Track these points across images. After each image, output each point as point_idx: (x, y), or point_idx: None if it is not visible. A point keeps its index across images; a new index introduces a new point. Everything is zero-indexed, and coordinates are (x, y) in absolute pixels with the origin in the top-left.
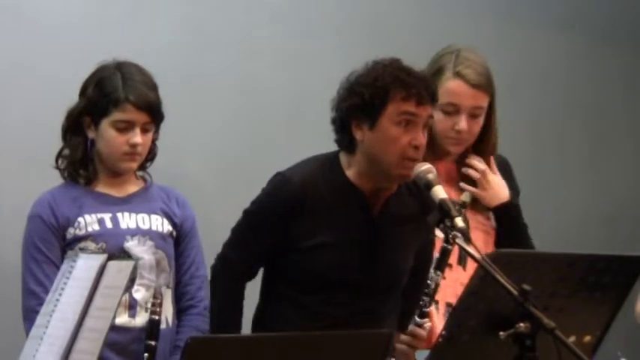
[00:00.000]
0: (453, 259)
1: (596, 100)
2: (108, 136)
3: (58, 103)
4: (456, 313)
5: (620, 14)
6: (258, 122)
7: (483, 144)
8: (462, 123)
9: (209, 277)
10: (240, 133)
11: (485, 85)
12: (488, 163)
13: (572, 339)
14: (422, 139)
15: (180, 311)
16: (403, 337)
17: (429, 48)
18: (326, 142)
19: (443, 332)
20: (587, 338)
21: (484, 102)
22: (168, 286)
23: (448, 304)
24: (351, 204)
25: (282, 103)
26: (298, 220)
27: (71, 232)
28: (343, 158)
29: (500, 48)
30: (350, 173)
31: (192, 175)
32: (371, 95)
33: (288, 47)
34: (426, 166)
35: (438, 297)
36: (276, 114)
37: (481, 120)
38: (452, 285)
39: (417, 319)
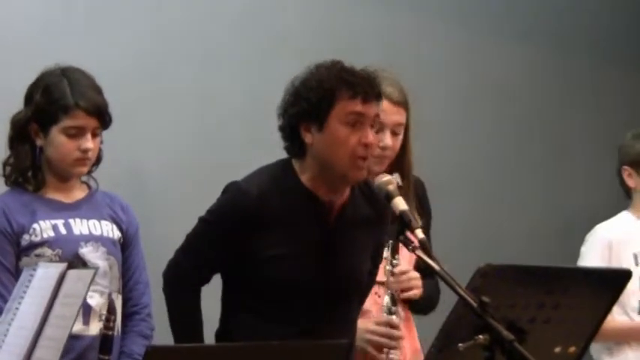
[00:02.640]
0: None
1: (551, 111)
2: (58, 142)
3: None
4: (447, 323)
5: (577, 25)
6: (217, 130)
7: (402, 160)
8: (387, 139)
9: (162, 284)
10: (199, 140)
11: (405, 103)
12: (406, 179)
13: (557, 349)
14: (370, 136)
15: (123, 316)
16: (376, 327)
17: (392, 57)
18: (284, 151)
19: (435, 342)
20: (572, 349)
21: (404, 118)
22: (119, 293)
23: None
24: (307, 211)
25: (240, 113)
26: (255, 231)
27: (26, 238)
28: (296, 165)
29: (456, 58)
30: (304, 179)
31: (151, 182)
32: (317, 98)
33: (248, 56)
34: (386, 177)
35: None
36: (235, 122)
37: (401, 137)
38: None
39: (391, 305)
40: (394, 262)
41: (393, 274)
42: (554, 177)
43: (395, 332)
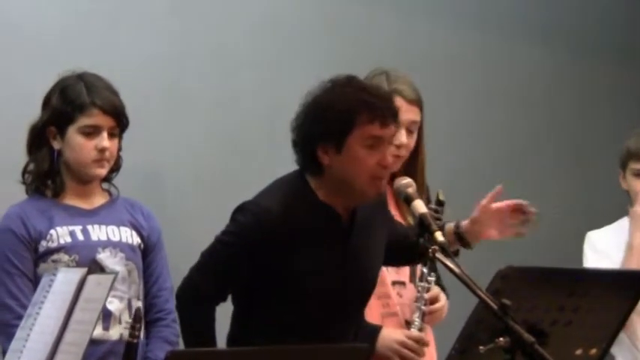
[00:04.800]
0: (405, 277)
1: (574, 113)
2: (75, 143)
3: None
4: (468, 325)
5: (602, 28)
6: (236, 136)
7: (415, 160)
8: (403, 137)
9: (177, 304)
10: (217, 146)
11: (419, 101)
12: (418, 181)
13: (579, 352)
14: (389, 158)
15: (147, 323)
16: (408, 341)
17: (410, 61)
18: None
19: (455, 345)
20: (594, 351)
21: (419, 117)
22: (138, 298)
23: (407, 322)
24: (326, 225)
25: (259, 118)
26: (278, 248)
27: (43, 244)
28: (311, 180)
29: (480, 60)
30: (321, 194)
31: (170, 188)
32: (336, 119)
33: (267, 61)
34: (405, 180)
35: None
36: (254, 128)
37: (415, 136)
38: (408, 303)
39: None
40: (429, 278)
41: (424, 292)
42: (573, 180)
43: (424, 350)
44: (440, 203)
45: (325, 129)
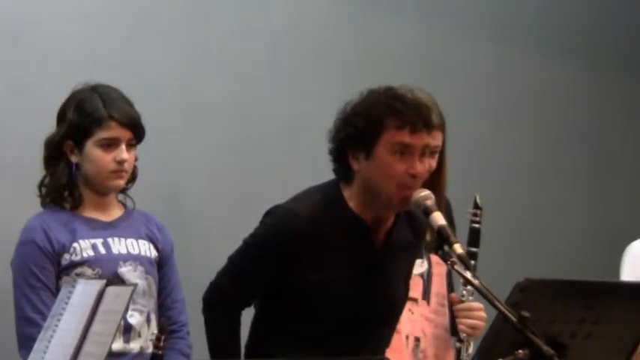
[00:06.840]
0: (418, 293)
1: (597, 125)
2: (94, 156)
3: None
4: (487, 338)
5: (621, 38)
6: (256, 148)
7: (437, 178)
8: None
9: (203, 308)
10: (237, 158)
11: (443, 125)
12: (439, 199)
13: None
14: (418, 167)
15: None
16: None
17: (428, 74)
18: (322, 170)
19: (474, 357)
20: None
21: (440, 141)
22: (154, 311)
23: (416, 339)
24: (354, 237)
25: (279, 130)
26: (304, 255)
27: (67, 258)
28: (345, 189)
29: (497, 72)
30: (352, 204)
31: (189, 201)
32: (365, 125)
33: (287, 74)
34: (424, 192)
35: (405, 332)
36: (273, 141)
37: (436, 157)
38: (418, 320)
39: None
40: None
41: (469, 295)
42: (592, 191)
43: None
44: (477, 207)
45: (354, 133)
